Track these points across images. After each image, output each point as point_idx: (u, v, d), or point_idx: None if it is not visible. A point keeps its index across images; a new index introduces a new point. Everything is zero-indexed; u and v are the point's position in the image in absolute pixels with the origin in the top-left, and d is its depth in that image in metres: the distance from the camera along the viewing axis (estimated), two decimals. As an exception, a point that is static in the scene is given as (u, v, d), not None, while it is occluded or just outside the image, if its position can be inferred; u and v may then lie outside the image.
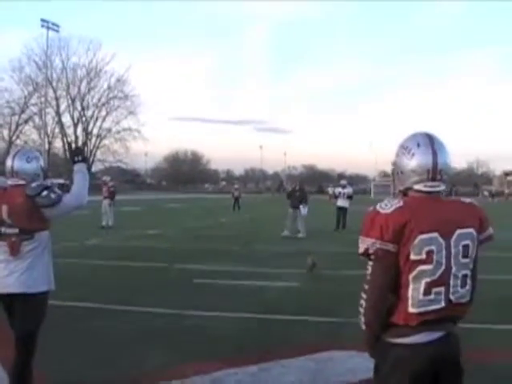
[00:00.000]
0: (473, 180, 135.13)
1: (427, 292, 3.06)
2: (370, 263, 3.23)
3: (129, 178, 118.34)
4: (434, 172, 3.17)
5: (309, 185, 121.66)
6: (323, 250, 18.31)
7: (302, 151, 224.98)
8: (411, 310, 3.08)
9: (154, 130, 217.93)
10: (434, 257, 3.05)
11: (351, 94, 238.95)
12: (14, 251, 4.94)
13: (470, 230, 3.19)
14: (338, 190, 28.90)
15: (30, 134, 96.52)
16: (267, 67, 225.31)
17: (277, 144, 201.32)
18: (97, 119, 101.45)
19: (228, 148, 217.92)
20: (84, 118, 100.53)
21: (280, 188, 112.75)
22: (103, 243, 19.99)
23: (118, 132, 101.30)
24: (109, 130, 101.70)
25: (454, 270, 3.10)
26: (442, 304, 3.09)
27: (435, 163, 3.17)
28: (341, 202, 27.75)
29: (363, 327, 3.25)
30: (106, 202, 27.20)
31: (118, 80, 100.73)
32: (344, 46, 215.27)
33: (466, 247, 3.16)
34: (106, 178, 29.31)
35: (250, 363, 6.87)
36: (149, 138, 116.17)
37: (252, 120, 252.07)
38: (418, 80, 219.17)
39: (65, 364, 6.80)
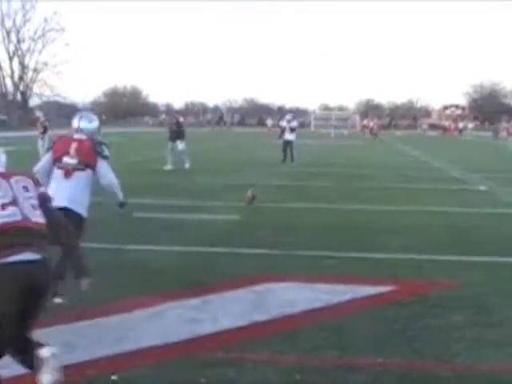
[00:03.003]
0: (412, 114, 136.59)
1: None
2: None
3: (67, 113, 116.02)
4: None
5: (249, 117, 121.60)
6: (265, 182, 18.40)
7: (242, 84, 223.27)
8: None
9: (93, 63, 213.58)
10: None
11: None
12: (67, 175, 6.84)
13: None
14: (283, 123, 28.98)
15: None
16: None
17: (217, 77, 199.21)
18: (33, 52, 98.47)
19: (168, 81, 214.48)
20: (20, 52, 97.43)
21: (220, 121, 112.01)
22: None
23: (55, 65, 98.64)
24: (45, 64, 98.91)
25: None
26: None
27: None
28: (287, 136, 27.78)
29: None
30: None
31: (55, 12, 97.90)
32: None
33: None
34: (39, 114, 28.86)
35: (191, 296, 6.95)
36: (87, 71, 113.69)
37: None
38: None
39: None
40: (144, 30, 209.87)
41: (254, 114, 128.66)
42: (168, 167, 23.24)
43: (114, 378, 4.82)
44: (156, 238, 10.26)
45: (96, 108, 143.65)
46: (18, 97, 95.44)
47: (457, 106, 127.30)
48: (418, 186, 18.64)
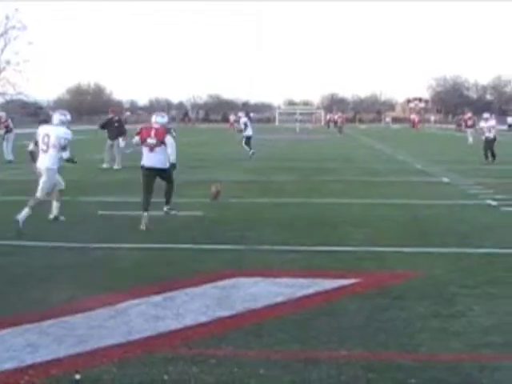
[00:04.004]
0: (376, 107, 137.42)
1: None
2: None
3: (31, 111, 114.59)
4: None
5: (214, 114, 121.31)
6: (229, 178, 18.40)
7: (207, 80, 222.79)
8: None
9: (56, 61, 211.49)
10: None
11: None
12: (152, 150, 11.30)
13: None
14: (244, 120, 29.33)
15: None
16: None
17: (182, 73, 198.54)
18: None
19: (132, 78, 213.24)
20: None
21: (185, 117, 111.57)
22: (5, 179, 19.46)
23: (18, 63, 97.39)
24: (8, 62, 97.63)
25: None
26: None
27: None
28: (248, 132, 28.11)
29: None
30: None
31: (17, 9, 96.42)
32: None
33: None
34: (1, 114, 28.39)
35: (154, 293, 6.93)
36: (50, 69, 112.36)
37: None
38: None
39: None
40: (107, 26, 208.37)
41: (219, 109, 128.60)
42: (116, 166, 22.75)
43: (77, 376, 4.77)
44: (119, 235, 10.23)
45: (59, 106, 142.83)
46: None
47: (420, 99, 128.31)
48: (382, 179, 18.78)
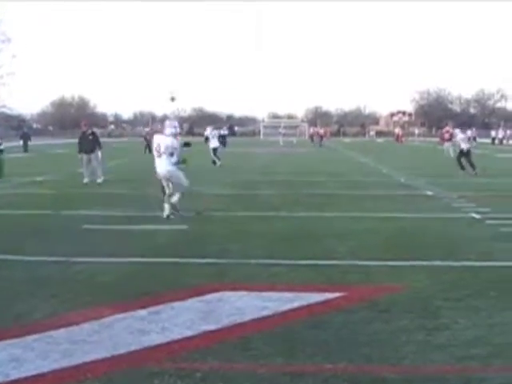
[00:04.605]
0: (360, 121, 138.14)
1: None
2: None
3: (14, 124, 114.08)
4: None
5: (198, 127, 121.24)
6: (213, 191, 18.44)
7: (191, 93, 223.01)
8: None
9: (39, 74, 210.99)
10: None
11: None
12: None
13: None
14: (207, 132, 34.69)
15: None
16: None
17: (165, 86, 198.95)
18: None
19: (116, 91, 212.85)
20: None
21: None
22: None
23: (1, 76, 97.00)
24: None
25: None
26: None
27: None
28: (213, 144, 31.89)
29: None
30: None
31: (0, 21, 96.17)
32: None
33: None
34: None
35: (139, 307, 6.92)
36: (34, 82, 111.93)
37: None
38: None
39: None
40: (91, 40, 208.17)
41: (203, 123, 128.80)
42: (99, 180, 22.48)
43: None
44: (104, 249, 10.18)
45: (42, 119, 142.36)
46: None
47: (404, 113, 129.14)
48: (366, 193, 18.84)
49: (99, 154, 23.07)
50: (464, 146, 26.02)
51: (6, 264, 9.27)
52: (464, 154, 25.86)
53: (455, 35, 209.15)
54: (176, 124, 14.38)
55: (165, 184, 13.80)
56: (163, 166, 13.52)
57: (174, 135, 13.91)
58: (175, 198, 13.67)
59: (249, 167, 27.61)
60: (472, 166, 25.22)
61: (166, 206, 13.58)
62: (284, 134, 79.70)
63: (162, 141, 13.63)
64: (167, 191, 13.73)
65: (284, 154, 47.66)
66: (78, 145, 23.61)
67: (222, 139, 62.15)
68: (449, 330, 6.24)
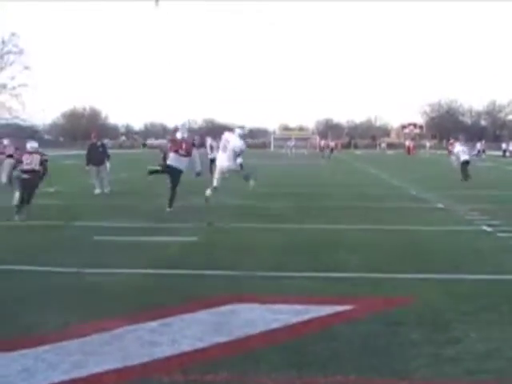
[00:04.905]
0: (371, 133, 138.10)
1: None
2: None
3: (27, 135, 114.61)
4: None
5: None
6: (224, 203, 18.44)
7: (202, 104, 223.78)
8: None
9: (51, 85, 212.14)
10: None
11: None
12: (180, 156, 16.09)
13: None
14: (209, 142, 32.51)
15: None
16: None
17: (177, 97, 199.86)
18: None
19: (127, 102, 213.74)
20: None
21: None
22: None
23: (14, 88, 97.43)
24: (4, 86, 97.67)
25: None
26: None
27: None
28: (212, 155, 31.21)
29: None
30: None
31: (13, 34, 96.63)
32: None
33: None
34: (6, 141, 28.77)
35: (151, 319, 6.92)
36: (46, 93, 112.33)
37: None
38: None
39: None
40: (102, 51, 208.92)
41: (214, 134, 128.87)
42: (106, 190, 22.71)
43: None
44: (115, 260, 10.20)
45: (53, 130, 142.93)
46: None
47: (415, 125, 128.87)
48: (377, 205, 18.79)
49: (107, 164, 23.41)
50: (464, 157, 27.97)
51: (18, 274, 9.31)
52: (465, 164, 27.79)
53: (467, 47, 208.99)
54: (244, 127, 17.35)
55: (218, 177, 16.19)
56: (225, 160, 15.62)
57: (241, 137, 15.92)
58: (252, 183, 16.05)
59: (260, 179, 27.56)
60: (464, 174, 27.42)
61: (208, 191, 16.28)
62: (294, 147, 79.66)
63: (232, 140, 15.52)
64: (215, 184, 16.21)
65: (294, 165, 47.65)
66: (86, 156, 23.70)
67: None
68: (460, 344, 6.21)
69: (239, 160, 15.41)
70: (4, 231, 13.50)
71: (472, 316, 7.14)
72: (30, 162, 15.60)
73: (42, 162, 15.85)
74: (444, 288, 8.44)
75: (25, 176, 15.46)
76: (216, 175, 16.29)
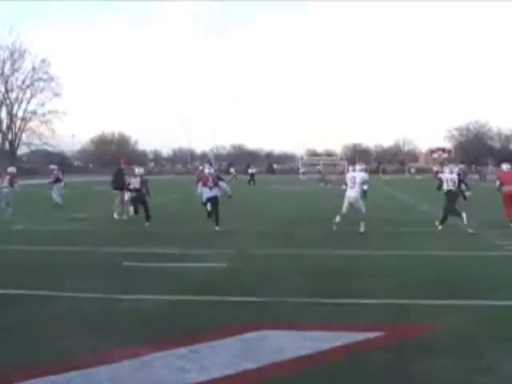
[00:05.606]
0: (399, 158, 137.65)
1: None
2: None
3: (56, 161, 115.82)
4: None
5: (238, 164, 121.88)
6: (252, 229, 18.49)
7: (230, 130, 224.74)
8: None
9: (80, 111, 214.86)
10: None
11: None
12: (210, 189, 19.38)
13: None
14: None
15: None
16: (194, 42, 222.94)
17: (205, 123, 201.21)
18: (21, 101, 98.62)
19: (156, 128, 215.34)
20: (8, 101, 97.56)
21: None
22: (30, 228, 19.60)
23: (44, 114, 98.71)
24: (34, 113, 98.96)
25: None
26: None
27: None
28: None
29: None
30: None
31: (43, 61, 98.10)
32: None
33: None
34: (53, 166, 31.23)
35: (180, 345, 6.93)
36: (75, 119, 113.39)
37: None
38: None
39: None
40: (131, 77, 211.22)
41: (242, 160, 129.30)
42: (125, 216, 22.91)
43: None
44: (144, 286, 10.24)
45: (83, 156, 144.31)
46: (7, 146, 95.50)
47: (443, 150, 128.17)
48: (406, 230, 18.69)
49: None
50: (448, 187, 20.56)
51: (48, 300, 9.38)
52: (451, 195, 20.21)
53: (494, 71, 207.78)
54: (364, 164, 22.60)
55: (347, 205, 18.43)
56: (355, 193, 18.34)
57: (363, 171, 19.49)
58: (362, 228, 17.95)
59: (287, 205, 27.59)
60: (445, 215, 19.82)
61: (362, 224, 18.07)
62: (321, 172, 79.38)
63: (358, 175, 18.72)
64: (344, 211, 18.52)
65: (322, 191, 47.55)
66: (112, 181, 24.03)
67: (251, 177, 62.77)
68: (492, 372, 6.15)
69: (366, 187, 22.31)
70: (37, 257, 13.60)
71: (504, 343, 7.07)
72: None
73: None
74: (474, 314, 8.36)
75: None
76: (345, 203, 18.57)
